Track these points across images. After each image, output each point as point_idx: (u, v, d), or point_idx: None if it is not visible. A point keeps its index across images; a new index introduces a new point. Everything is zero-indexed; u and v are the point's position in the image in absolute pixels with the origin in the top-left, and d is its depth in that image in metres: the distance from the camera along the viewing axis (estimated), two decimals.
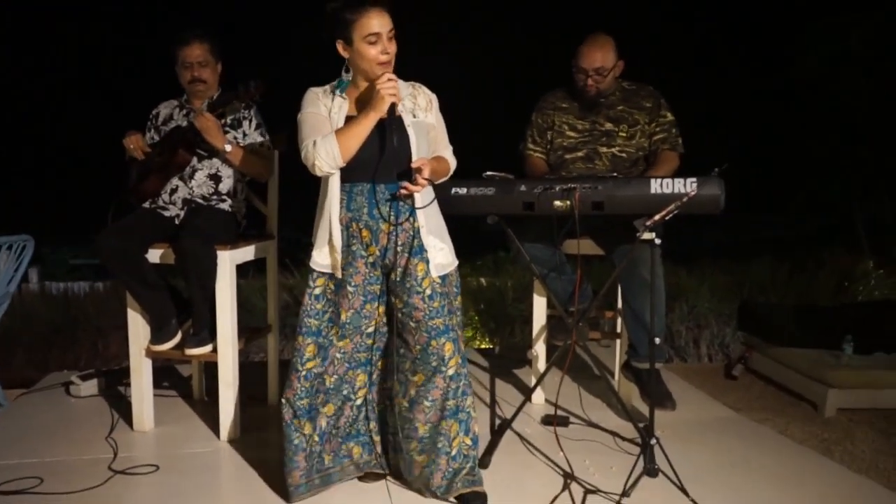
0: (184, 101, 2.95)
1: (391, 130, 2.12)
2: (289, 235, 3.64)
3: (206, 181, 2.83)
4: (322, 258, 2.23)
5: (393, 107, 2.11)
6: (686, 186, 2.36)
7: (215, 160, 2.84)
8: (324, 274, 2.25)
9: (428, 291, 2.18)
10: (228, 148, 2.74)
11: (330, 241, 2.20)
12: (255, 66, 2.89)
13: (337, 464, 2.32)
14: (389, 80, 2.09)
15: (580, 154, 2.92)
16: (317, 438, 2.25)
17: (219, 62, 2.91)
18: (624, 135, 2.89)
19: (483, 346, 4.77)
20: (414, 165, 2.11)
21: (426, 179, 2.13)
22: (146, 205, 2.83)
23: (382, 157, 2.15)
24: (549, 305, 3.06)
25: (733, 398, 3.48)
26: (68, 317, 5.03)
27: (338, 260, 2.20)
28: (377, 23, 2.10)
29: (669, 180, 2.39)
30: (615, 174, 2.54)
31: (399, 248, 2.19)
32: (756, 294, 4.93)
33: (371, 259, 2.21)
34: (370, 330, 2.27)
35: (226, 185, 2.86)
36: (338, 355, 2.25)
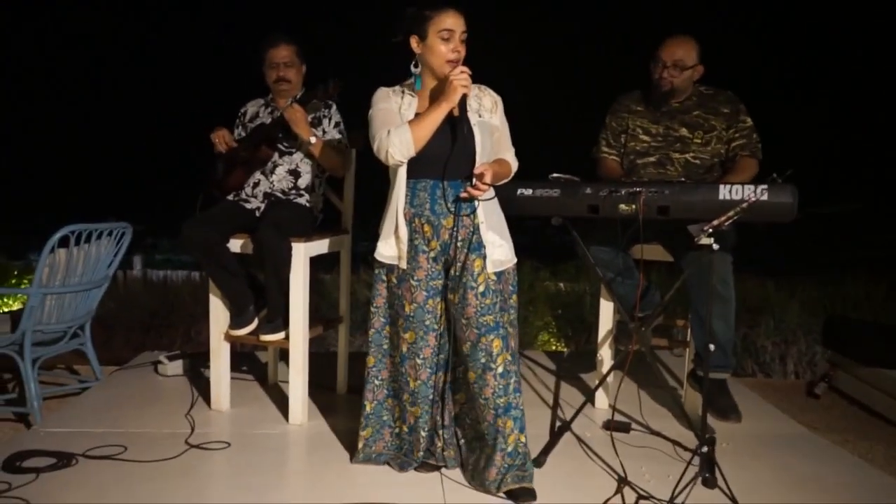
0: (269, 99, 3.12)
1: (464, 123, 2.20)
2: (368, 234, 3.77)
3: (285, 176, 2.98)
4: (387, 249, 2.33)
5: (464, 99, 2.18)
6: (756, 192, 2.31)
7: (295, 156, 2.99)
8: (386, 265, 2.34)
9: (481, 288, 2.23)
10: (313, 140, 2.87)
11: (396, 232, 2.29)
12: (333, 69, 3.01)
13: (407, 450, 2.45)
14: (462, 71, 2.16)
15: (652, 159, 2.89)
16: (406, 429, 2.43)
17: (303, 64, 3.06)
18: (699, 141, 2.85)
19: (556, 350, 4.76)
20: (476, 171, 2.17)
21: (488, 184, 2.18)
22: (230, 197, 3.01)
23: (451, 153, 2.21)
24: (617, 310, 3.04)
25: (811, 417, 3.34)
26: (166, 303, 5.36)
27: (403, 250, 2.28)
28: (452, 21, 2.20)
29: (739, 186, 2.34)
30: (683, 179, 2.51)
31: (459, 244, 2.25)
32: (849, 311, 4.69)
33: (433, 254, 2.29)
34: (442, 329, 2.34)
35: (304, 180, 3.00)
36: (409, 352, 2.34)
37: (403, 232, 2.28)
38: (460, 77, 2.16)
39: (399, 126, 2.20)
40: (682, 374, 3.44)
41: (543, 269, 5.81)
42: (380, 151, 2.22)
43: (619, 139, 3.00)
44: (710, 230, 2.15)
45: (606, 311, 3.05)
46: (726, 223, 2.16)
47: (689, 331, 3.15)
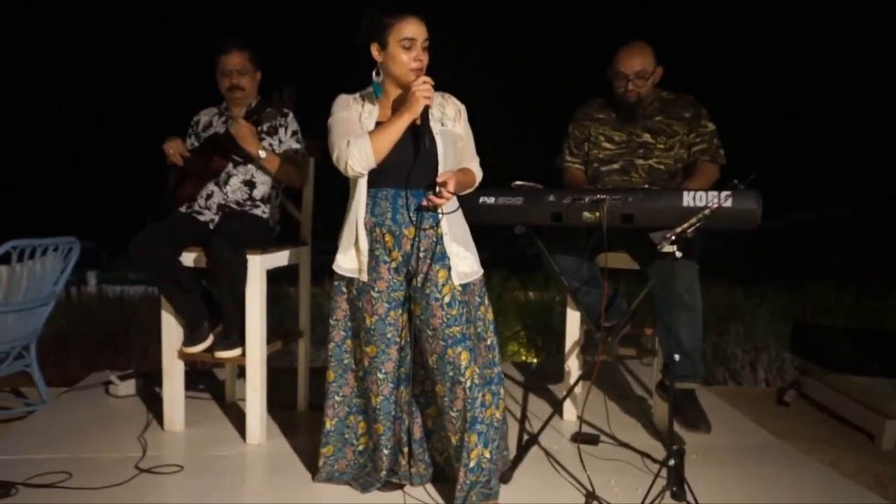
0: (223, 108, 3.07)
1: (426, 135, 2.17)
2: (329, 246, 3.73)
3: (240, 187, 2.93)
4: (347, 262, 2.30)
5: (426, 110, 2.16)
6: (720, 199, 2.31)
7: (250, 166, 2.93)
8: (345, 278, 2.31)
9: (447, 299, 2.20)
10: (263, 154, 2.83)
11: (356, 244, 2.26)
12: (291, 75, 2.97)
13: (370, 470, 2.41)
14: (425, 82, 2.14)
15: (616, 166, 2.90)
16: (362, 448, 2.42)
17: (258, 71, 3.01)
18: (662, 146, 2.86)
19: (526, 360, 4.74)
20: (439, 180, 2.15)
21: (451, 193, 2.16)
22: (182, 209, 2.95)
23: (415, 163, 2.20)
24: (584, 320, 3.03)
25: (781, 425, 3.36)
26: (122, 320, 5.26)
27: (363, 262, 2.26)
28: (414, 29, 2.17)
29: (703, 193, 2.34)
30: (646, 186, 2.51)
31: (422, 254, 2.22)
32: (819, 318, 4.76)
33: (394, 265, 2.26)
34: (404, 343, 2.31)
35: (260, 191, 2.95)
36: (371, 366, 2.30)
37: (363, 243, 2.25)
38: (423, 88, 2.14)
39: (359, 137, 2.17)
40: (652, 383, 3.44)
41: (513, 278, 5.82)
42: (339, 162, 2.19)
43: (581, 147, 3.00)
44: (673, 238, 2.14)
45: (573, 321, 3.04)
46: (689, 230, 2.15)
47: (657, 340, 3.16)
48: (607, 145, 2.93)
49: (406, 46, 2.17)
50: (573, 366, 3.03)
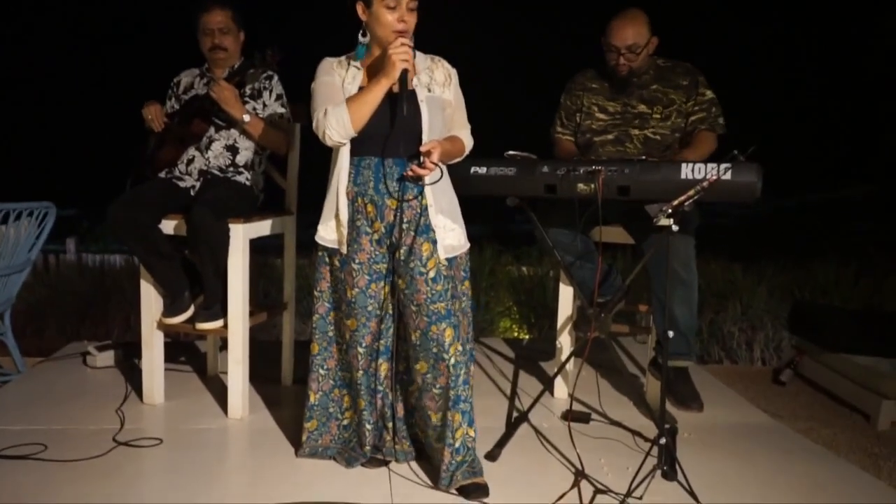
0: (205, 69, 3.01)
1: (403, 102, 2.12)
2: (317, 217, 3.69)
3: (222, 152, 2.88)
4: (327, 233, 2.28)
5: (405, 75, 2.10)
6: (719, 171, 2.29)
7: (233, 131, 2.89)
8: (328, 249, 2.29)
9: (432, 274, 2.18)
10: (247, 118, 2.79)
11: (336, 215, 2.24)
12: (277, 35, 2.91)
13: (354, 445, 2.41)
14: (403, 44, 2.09)
15: (610, 137, 2.87)
16: (346, 422, 2.42)
17: (241, 30, 2.95)
18: (658, 116, 2.82)
19: (518, 337, 4.75)
20: (423, 149, 2.11)
21: (434, 164, 2.12)
22: (162, 175, 2.90)
23: (392, 131, 2.16)
24: (577, 295, 3.02)
25: (777, 405, 3.38)
26: (102, 289, 5.22)
27: (343, 234, 2.23)
28: None
29: (702, 165, 2.32)
30: (644, 157, 2.48)
31: (405, 226, 2.20)
32: (818, 296, 4.76)
33: (376, 236, 2.23)
34: (385, 315, 2.28)
35: (243, 156, 2.91)
36: (352, 339, 2.29)
37: (344, 214, 2.23)
38: (400, 51, 2.08)
39: (337, 105, 2.14)
40: (645, 361, 3.44)
41: (505, 252, 5.79)
42: (318, 131, 2.17)
43: (573, 118, 2.97)
44: (670, 210, 2.12)
45: (566, 297, 3.02)
46: (686, 203, 2.13)
47: (651, 317, 3.15)
48: (601, 116, 2.90)
49: (390, 6, 2.13)
50: (565, 342, 3.02)
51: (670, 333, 2.34)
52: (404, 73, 2.10)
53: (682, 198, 2.10)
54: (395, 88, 2.14)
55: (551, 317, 4.91)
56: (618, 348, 3.82)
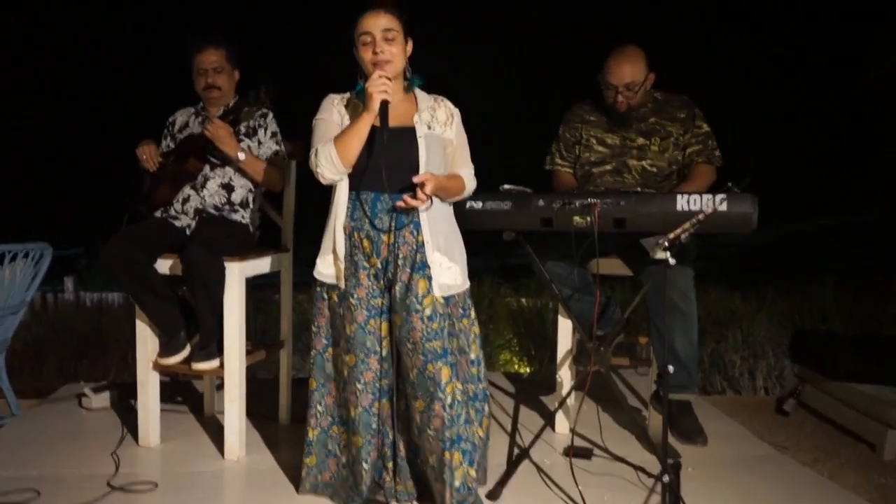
0: (200, 108, 3.02)
1: (384, 134, 2.13)
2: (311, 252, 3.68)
3: (218, 191, 2.88)
4: (325, 267, 2.28)
5: (385, 106, 2.12)
6: (715, 202, 2.28)
7: (228, 169, 2.89)
8: (327, 284, 2.28)
9: (428, 311, 2.16)
10: (241, 157, 2.79)
11: (334, 250, 2.24)
12: (278, 72, 2.94)
13: (352, 484, 2.36)
14: (380, 76, 2.12)
15: (608, 167, 2.87)
16: (346, 460, 2.36)
17: (236, 69, 2.97)
18: (655, 148, 2.83)
19: (519, 371, 4.71)
20: (416, 180, 2.11)
21: (427, 195, 2.11)
22: (157, 214, 2.89)
23: (367, 163, 2.18)
24: (576, 328, 2.99)
25: (781, 436, 3.33)
26: (100, 327, 5.19)
27: (341, 269, 2.23)
28: (369, 22, 2.19)
29: (697, 196, 2.32)
30: (639, 189, 2.48)
31: (400, 262, 2.19)
32: (818, 323, 4.73)
33: (373, 271, 2.23)
34: (385, 353, 2.26)
35: (239, 194, 2.91)
36: (350, 376, 2.26)
37: (341, 249, 2.23)
38: (376, 83, 2.12)
39: (326, 143, 2.17)
40: (647, 393, 3.40)
41: (504, 284, 5.78)
42: (312, 169, 2.20)
43: (572, 150, 2.97)
44: (666, 244, 2.10)
45: (565, 330, 3.00)
46: (682, 236, 2.12)
47: (652, 348, 3.13)
48: (599, 148, 2.90)
49: (365, 42, 2.20)
50: (565, 376, 2.99)
51: (670, 368, 2.31)
52: (384, 105, 2.12)
53: (678, 231, 2.09)
54: (378, 122, 2.15)
55: (551, 349, 4.88)
56: (619, 381, 3.78)
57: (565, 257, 2.74)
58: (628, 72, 2.76)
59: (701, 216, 2.12)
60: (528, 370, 4.76)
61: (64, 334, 5.07)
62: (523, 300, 5.60)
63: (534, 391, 3.62)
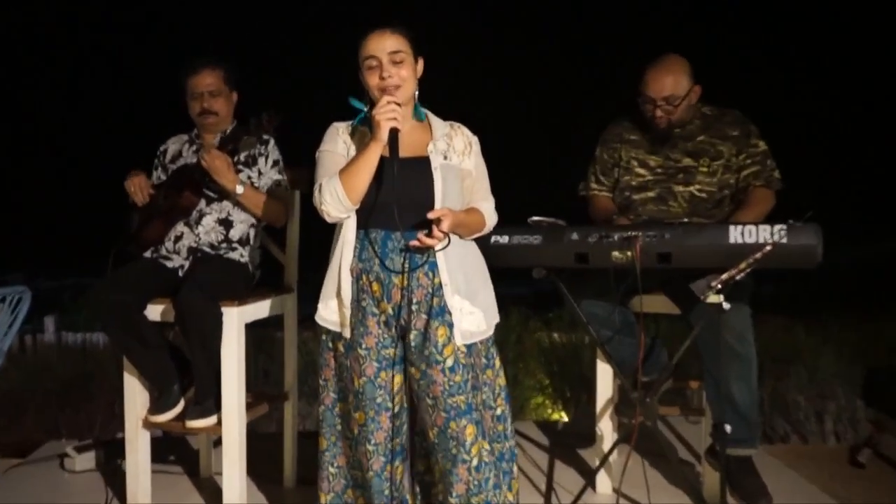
0: (194, 135, 3.04)
1: (394, 166, 2.12)
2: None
3: (214, 227, 2.89)
4: (328, 313, 2.27)
5: (394, 135, 2.12)
6: (773, 234, 2.26)
7: (226, 203, 2.90)
8: (332, 332, 2.28)
9: (449, 362, 2.15)
10: (240, 189, 2.80)
11: (338, 294, 2.23)
12: (281, 94, 2.97)
13: None
14: (389, 102, 2.12)
15: (651, 194, 2.85)
16: None
17: (234, 91, 2.99)
18: (705, 170, 2.81)
19: (552, 418, 4.67)
20: (432, 216, 2.10)
21: (444, 233, 2.11)
22: (148, 254, 2.91)
23: (376, 201, 2.17)
24: (617, 373, 2.97)
25: (855, 490, 3.27)
26: (84, 372, 5.22)
27: (346, 315, 2.22)
28: (374, 45, 2.19)
29: (753, 228, 2.29)
30: (685, 220, 2.47)
31: (414, 307, 2.18)
32: (891, 357, 4.65)
33: (383, 318, 2.22)
34: (398, 409, 2.25)
35: (237, 231, 2.92)
36: (360, 435, 2.25)
37: (347, 293, 2.22)
38: (385, 110, 2.11)
39: (332, 177, 2.16)
40: (699, 444, 3.36)
41: (534, 317, 5.75)
42: (316, 206, 2.19)
43: (610, 173, 2.96)
44: (719, 286, 2.08)
45: (605, 375, 2.97)
46: (737, 276, 2.10)
47: (704, 395, 3.09)
48: (641, 171, 2.89)
49: (371, 66, 2.20)
50: (606, 428, 2.96)
51: (728, 428, 2.28)
52: (393, 133, 2.12)
53: (733, 271, 2.07)
54: (387, 152, 2.15)
55: (588, 389, 4.85)
56: (667, 429, 3.73)
57: (603, 295, 2.73)
58: (668, 83, 2.75)
59: (758, 255, 2.09)
60: (563, 416, 4.72)
61: (45, 381, 5.09)
62: (555, 335, 5.56)
63: (570, 443, 3.58)
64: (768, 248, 2.12)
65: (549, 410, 4.89)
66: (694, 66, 2.79)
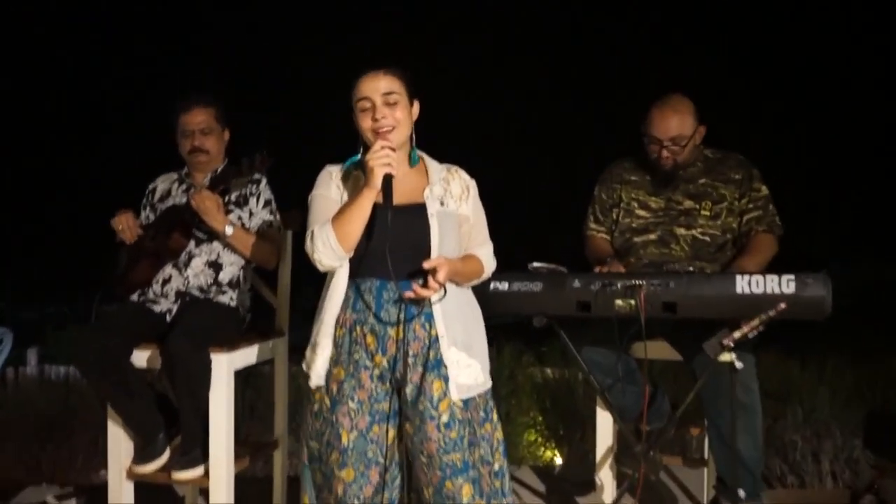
0: (184, 174, 2.97)
1: (388, 213, 2.06)
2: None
3: (204, 269, 2.82)
4: (318, 365, 2.18)
5: (388, 181, 2.05)
6: (781, 285, 2.21)
7: (216, 244, 2.83)
8: (318, 385, 2.19)
9: (444, 418, 2.08)
10: (229, 231, 2.73)
11: (330, 345, 2.16)
12: (273, 132, 2.91)
13: None
14: (383, 146, 2.06)
15: (652, 237, 2.80)
16: None
17: (225, 129, 2.94)
18: (707, 213, 2.76)
19: (545, 457, 4.58)
20: (427, 266, 2.04)
21: (440, 283, 2.04)
22: (134, 297, 2.83)
23: (366, 249, 2.12)
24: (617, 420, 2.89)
25: None
26: (68, 407, 5.09)
27: (333, 369, 2.15)
28: (367, 86, 2.14)
29: (760, 278, 2.25)
30: (687, 265, 2.41)
31: (410, 360, 2.11)
32: (891, 398, 4.59)
33: (377, 371, 2.14)
34: (389, 462, 2.16)
35: (227, 273, 2.84)
36: (347, 495, 2.14)
37: (336, 345, 2.15)
38: (378, 154, 2.04)
39: (323, 224, 2.10)
40: (700, 491, 3.27)
41: (527, 352, 5.67)
42: (308, 253, 2.13)
43: (608, 214, 2.91)
44: (731, 344, 2.02)
45: (605, 423, 2.90)
46: (750, 335, 2.03)
47: (706, 443, 3.02)
48: (641, 212, 2.84)
49: (364, 108, 2.15)
50: (606, 478, 2.88)
51: (742, 493, 2.20)
52: (387, 178, 2.05)
53: (745, 329, 2.01)
54: (379, 200, 2.08)
55: (582, 427, 4.77)
56: (665, 477, 3.64)
57: (603, 342, 2.66)
58: (675, 124, 2.71)
59: (772, 313, 2.03)
60: (556, 454, 4.63)
61: (26, 415, 4.97)
62: (548, 370, 5.49)
63: (568, 490, 3.49)
64: (782, 306, 2.05)
65: (542, 448, 4.80)
66: (698, 106, 2.75)
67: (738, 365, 2.10)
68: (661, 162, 2.75)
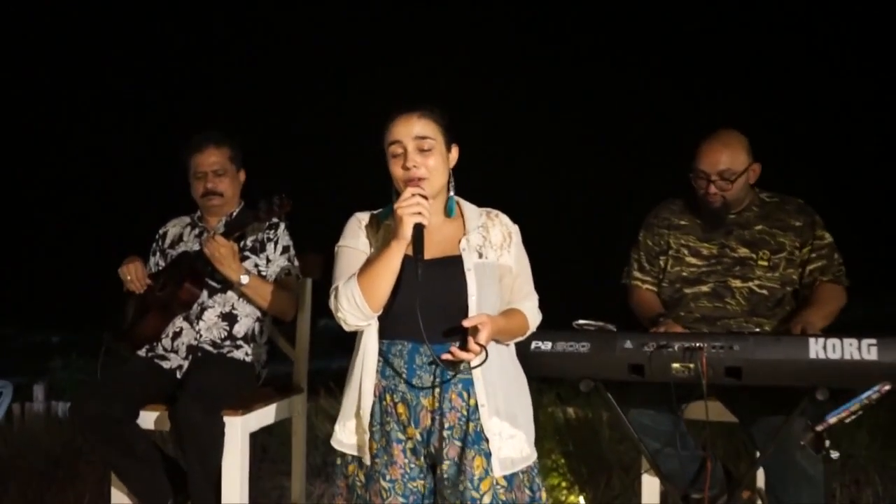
0: (196, 218, 2.82)
1: (418, 266, 1.86)
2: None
3: (217, 322, 2.63)
4: (346, 436, 2.00)
5: (419, 231, 1.86)
6: (861, 350, 1.97)
7: (230, 294, 2.65)
8: (349, 457, 2.01)
9: (487, 499, 1.88)
10: (245, 280, 2.54)
11: (357, 415, 1.97)
12: (293, 175, 2.72)
13: None
14: (413, 195, 1.87)
15: (705, 289, 2.57)
16: None
17: (240, 171, 2.78)
18: (765, 263, 2.54)
19: (569, 503, 4.33)
20: (467, 324, 1.83)
21: (481, 346, 1.83)
22: (142, 353, 2.65)
23: (392, 306, 1.92)
24: (665, 487, 2.65)
25: None
26: (73, 445, 4.93)
27: (365, 441, 1.95)
28: (399, 130, 1.97)
29: (837, 341, 2.03)
30: (757, 329, 2.17)
31: (446, 433, 1.90)
32: None
33: (410, 444, 1.94)
34: None
35: (243, 326, 2.66)
36: None
37: (367, 416, 1.94)
38: (408, 203, 1.86)
39: (349, 280, 1.90)
40: None
41: (547, 390, 5.45)
42: (334, 314, 1.93)
43: (655, 262, 2.68)
44: (825, 429, 1.77)
45: (650, 489, 2.66)
46: (847, 420, 1.79)
47: None
48: (693, 260, 2.61)
49: (395, 153, 1.97)
50: None
51: None
52: (418, 229, 1.86)
53: (843, 414, 1.76)
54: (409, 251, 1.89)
55: (608, 471, 4.53)
56: None
57: (652, 403, 2.43)
58: (725, 157, 2.52)
59: (874, 395, 1.77)
60: (580, 501, 4.39)
61: (31, 454, 4.80)
62: (570, 410, 5.26)
63: None
64: (886, 387, 1.80)
65: (566, 493, 4.55)
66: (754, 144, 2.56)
67: (834, 455, 1.85)
68: (708, 198, 2.55)
